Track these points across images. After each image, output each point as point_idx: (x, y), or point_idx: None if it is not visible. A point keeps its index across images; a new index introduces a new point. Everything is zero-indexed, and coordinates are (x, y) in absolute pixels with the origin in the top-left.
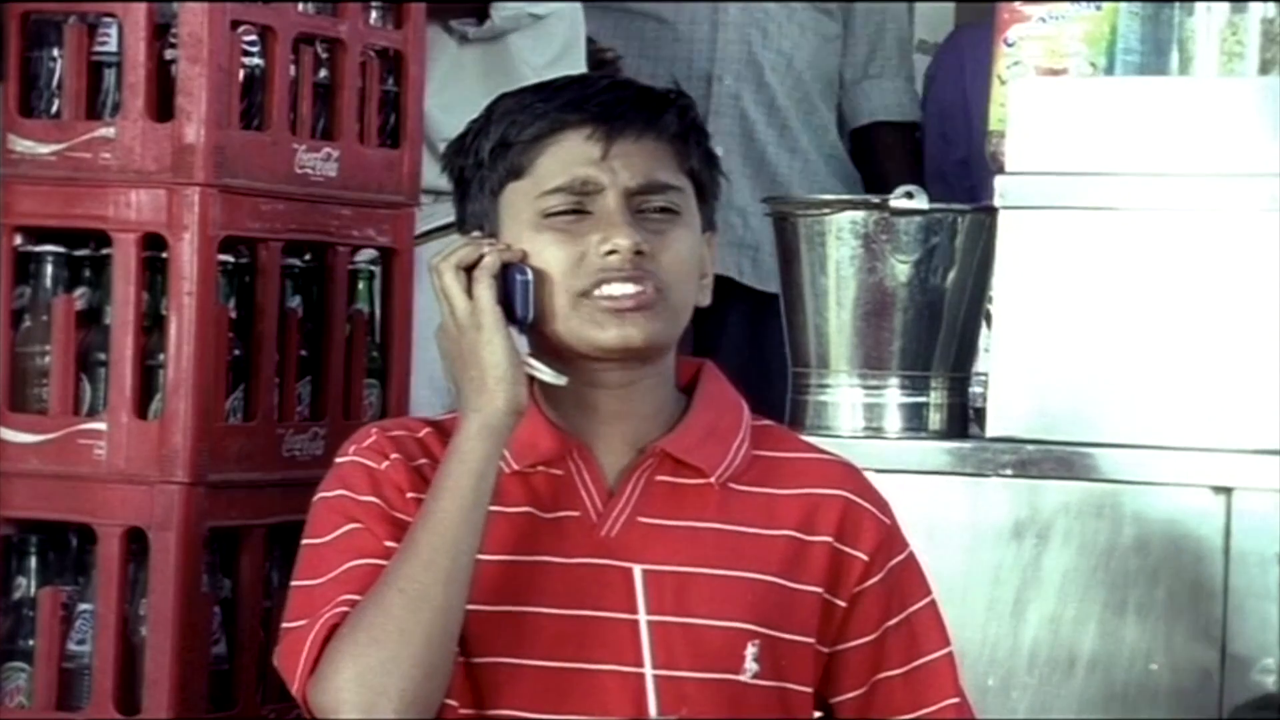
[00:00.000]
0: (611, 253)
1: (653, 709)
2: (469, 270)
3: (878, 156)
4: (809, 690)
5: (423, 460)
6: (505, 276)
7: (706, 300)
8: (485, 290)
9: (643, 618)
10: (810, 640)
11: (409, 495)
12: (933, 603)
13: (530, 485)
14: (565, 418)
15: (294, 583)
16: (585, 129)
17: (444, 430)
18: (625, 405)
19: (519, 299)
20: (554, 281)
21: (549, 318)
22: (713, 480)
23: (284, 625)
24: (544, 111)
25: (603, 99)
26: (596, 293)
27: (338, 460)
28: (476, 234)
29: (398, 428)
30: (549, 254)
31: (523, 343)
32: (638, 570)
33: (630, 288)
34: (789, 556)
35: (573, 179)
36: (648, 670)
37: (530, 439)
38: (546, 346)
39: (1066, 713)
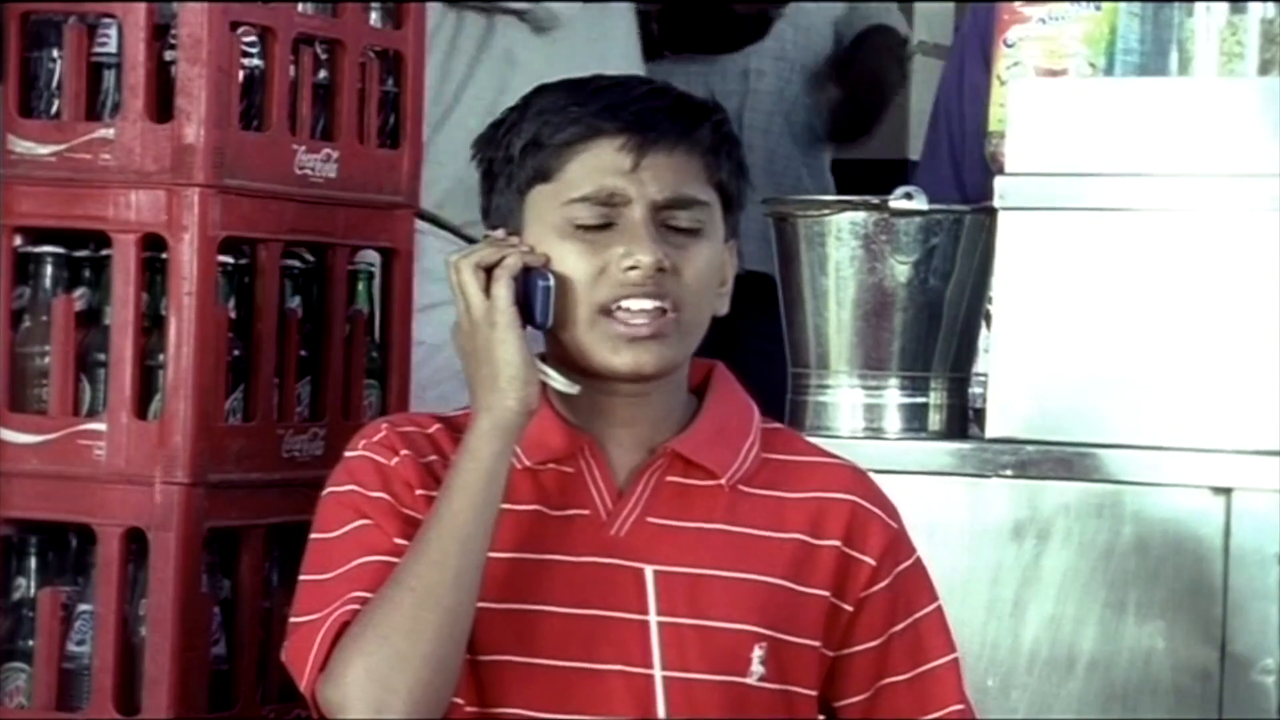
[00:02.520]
0: (633, 268)
1: (661, 710)
2: (489, 270)
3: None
4: (813, 693)
5: (433, 457)
6: (526, 280)
7: (724, 309)
8: (503, 289)
9: (653, 618)
10: (815, 644)
11: (418, 492)
12: (939, 609)
13: (540, 482)
14: (577, 416)
15: (302, 577)
16: (618, 138)
17: (454, 426)
18: (636, 412)
19: (539, 303)
20: (576, 290)
21: (567, 325)
22: (723, 482)
23: (292, 620)
24: (578, 116)
25: (638, 108)
26: (615, 309)
27: (347, 454)
28: (500, 231)
29: (407, 423)
30: (571, 262)
31: (537, 344)
32: (649, 571)
33: (648, 304)
34: (797, 560)
35: (600, 189)
36: (657, 671)
37: (541, 436)
38: (561, 354)
39: (1066, 713)
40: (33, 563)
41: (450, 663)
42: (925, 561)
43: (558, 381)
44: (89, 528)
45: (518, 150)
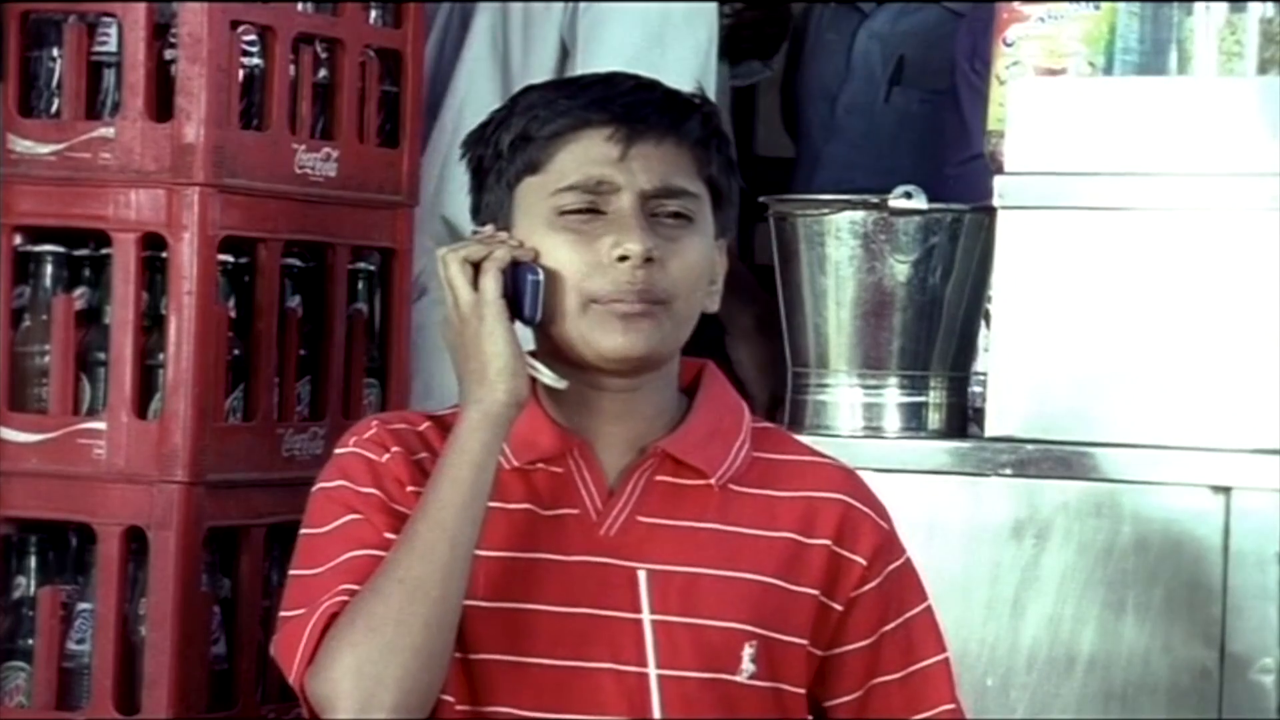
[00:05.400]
0: (623, 258)
1: (656, 709)
2: (477, 265)
3: None
4: (802, 691)
5: (423, 454)
6: (516, 274)
7: (714, 306)
8: (491, 282)
9: (646, 617)
10: (804, 642)
11: (409, 488)
12: (929, 609)
13: (530, 482)
14: (566, 416)
15: (292, 572)
16: (606, 129)
17: (444, 424)
18: (627, 407)
19: (528, 298)
20: (565, 282)
21: (557, 318)
22: (713, 481)
23: (281, 614)
24: (567, 109)
25: (627, 100)
26: (606, 303)
27: (337, 451)
28: (489, 227)
29: (398, 420)
30: (561, 254)
31: (527, 340)
32: (641, 570)
33: (638, 306)
34: (787, 559)
35: (588, 178)
36: (651, 670)
37: (531, 436)
38: (550, 348)
39: (1066, 712)
40: (33, 562)
41: (439, 655)
42: (924, 561)
43: (546, 376)
44: (89, 527)
45: (506, 145)
